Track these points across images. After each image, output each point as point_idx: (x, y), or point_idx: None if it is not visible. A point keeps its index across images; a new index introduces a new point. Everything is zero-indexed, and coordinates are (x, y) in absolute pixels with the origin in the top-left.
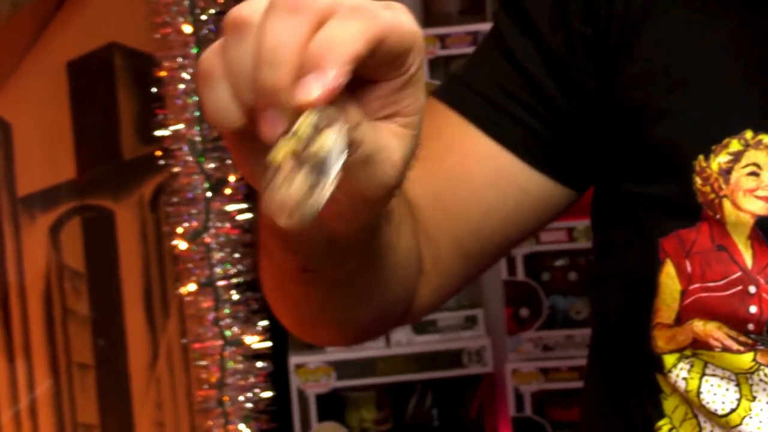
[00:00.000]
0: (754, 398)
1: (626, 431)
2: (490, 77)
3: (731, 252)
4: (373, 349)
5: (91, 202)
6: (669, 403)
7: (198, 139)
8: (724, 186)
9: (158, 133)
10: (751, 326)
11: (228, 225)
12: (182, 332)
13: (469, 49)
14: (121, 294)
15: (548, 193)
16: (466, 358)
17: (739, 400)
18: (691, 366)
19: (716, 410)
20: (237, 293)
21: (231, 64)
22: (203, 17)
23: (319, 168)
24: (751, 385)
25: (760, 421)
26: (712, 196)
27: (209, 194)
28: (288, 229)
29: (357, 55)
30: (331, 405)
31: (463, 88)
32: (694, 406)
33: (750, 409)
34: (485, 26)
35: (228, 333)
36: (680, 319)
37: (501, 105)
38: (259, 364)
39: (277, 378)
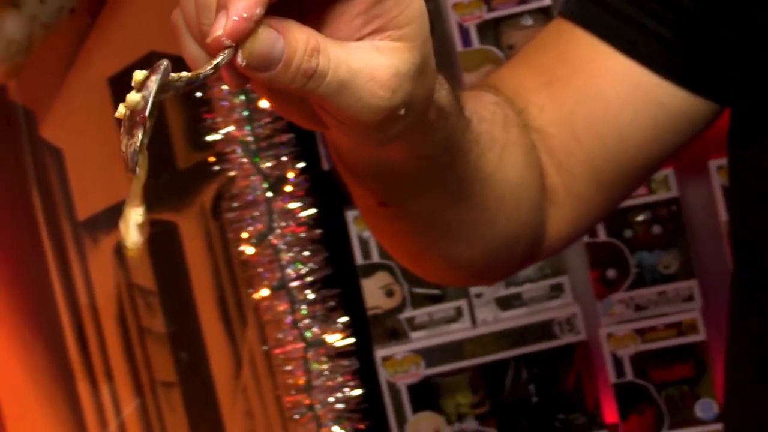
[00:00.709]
0: None
1: None
2: None
3: None
4: (459, 331)
5: (152, 217)
6: None
7: (250, 139)
8: None
9: (209, 138)
10: None
11: (293, 223)
12: (262, 338)
13: (517, 9)
14: (196, 306)
15: (688, 107)
16: (557, 329)
17: None
18: None
19: None
20: (312, 292)
21: (186, 17)
22: None
23: (134, 118)
24: None
25: None
26: None
27: (269, 194)
28: (129, 177)
29: None
30: (424, 394)
31: (587, 4)
32: None
33: None
34: None
35: (308, 334)
36: None
37: (630, 16)
38: (345, 362)
39: (365, 374)
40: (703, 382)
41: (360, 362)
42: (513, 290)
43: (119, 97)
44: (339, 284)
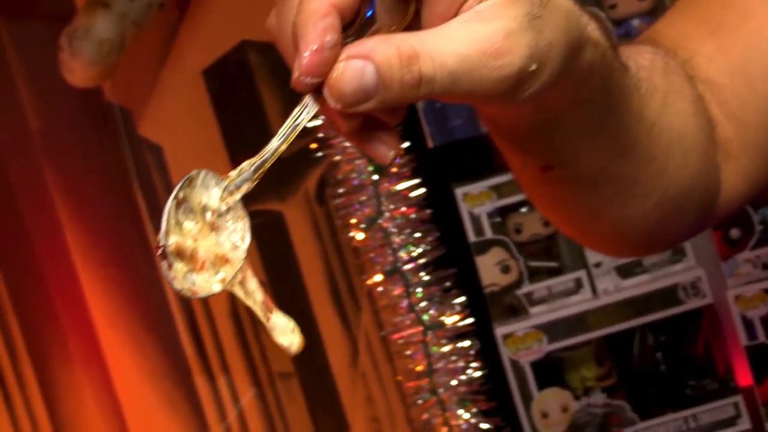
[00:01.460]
0: None
1: None
2: None
3: None
4: (580, 304)
5: (257, 207)
6: None
7: None
8: None
9: (310, 124)
10: None
11: (402, 205)
12: (377, 323)
13: None
14: (308, 295)
15: None
16: (681, 294)
17: None
18: None
19: None
20: (426, 274)
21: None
22: None
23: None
24: None
25: None
26: None
27: (376, 177)
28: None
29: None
30: (549, 370)
31: None
32: None
33: None
34: None
35: (426, 317)
36: None
37: None
38: (465, 343)
39: (487, 353)
40: None
41: (480, 342)
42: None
43: (214, 89)
44: (453, 264)
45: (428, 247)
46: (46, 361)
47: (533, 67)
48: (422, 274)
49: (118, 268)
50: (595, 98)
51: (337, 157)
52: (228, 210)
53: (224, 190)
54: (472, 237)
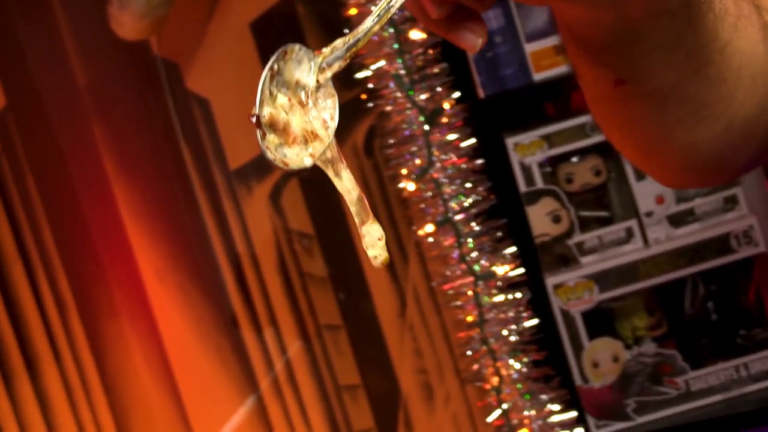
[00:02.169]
0: None
1: None
2: None
3: None
4: (631, 253)
5: None
6: None
7: (403, 72)
8: None
9: (359, 75)
10: None
11: (453, 155)
12: (425, 275)
13: None
14: (355, 247)
15: None
16: (734, 242)
17: None
18: None
19: None
20: (477, 224)
21: None
22: None
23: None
24: None
25: None
26: None
27: (426, 127)
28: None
29: None
30: (599, 320)
31: None
32: None
33: None
34: None
35: (477, 267)
36: None
37: None
38: (516, 293)
39: (538, 303)
40: None
41: (531, 292)
42: (685, 206)
43: (262, 42)
44: (504, 214)
45: (479, 198)
46: (94, 315)
47: None
48: (473, 224)
49: (166, 222)
50: (674, 11)
51: (388, 108)
52: (319, 87)
53: (317, 67)
54: (522, 187)
